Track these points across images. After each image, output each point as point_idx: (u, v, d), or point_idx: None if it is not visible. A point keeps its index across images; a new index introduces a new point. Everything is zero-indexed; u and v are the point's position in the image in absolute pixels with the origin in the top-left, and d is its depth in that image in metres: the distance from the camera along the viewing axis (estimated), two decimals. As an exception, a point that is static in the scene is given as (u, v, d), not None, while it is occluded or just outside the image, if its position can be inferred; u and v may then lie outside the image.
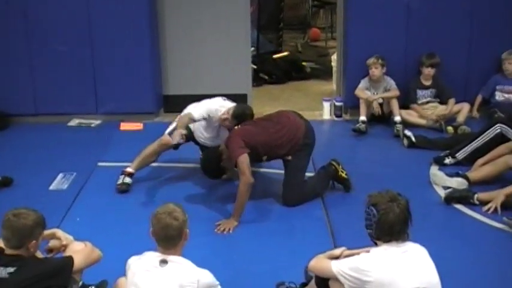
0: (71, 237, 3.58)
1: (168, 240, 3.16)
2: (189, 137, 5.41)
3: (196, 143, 5.50)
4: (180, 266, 3.15)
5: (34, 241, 3.17)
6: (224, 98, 5.39)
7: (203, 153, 5.33)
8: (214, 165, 4.96)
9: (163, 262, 3.14)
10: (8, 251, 3.16)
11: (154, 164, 5.53)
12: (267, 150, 4.92)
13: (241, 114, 5.04)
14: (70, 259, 3.28)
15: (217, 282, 3.25)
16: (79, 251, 3.39)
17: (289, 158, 4.96)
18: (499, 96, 6.73)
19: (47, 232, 3.40)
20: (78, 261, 3.29)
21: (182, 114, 5.35)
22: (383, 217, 3.07)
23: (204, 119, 5.23)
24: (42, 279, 3.12)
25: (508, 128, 5.43)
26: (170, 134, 5.37)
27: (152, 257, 3.19)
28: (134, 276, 3.17)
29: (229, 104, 5.26)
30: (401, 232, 3.10)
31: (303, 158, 5.01)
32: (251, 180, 4.66)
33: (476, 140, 5.55)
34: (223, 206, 4.98)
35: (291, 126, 4.96)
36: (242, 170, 4.67)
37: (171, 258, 3.16)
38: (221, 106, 5.21)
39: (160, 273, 3.12)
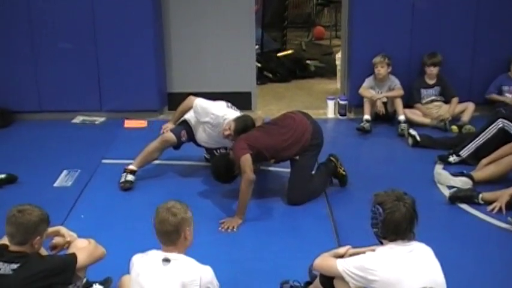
0: (74, 235, 3.58)
1: (165, 235, 3.15)
2: (190, 137, 5.43)
3: (197, 144, 5.51)
4: (182, 264, 3.15)
5: (38, 237, 3.17)
6: (228, 104, 5.38)
7: (213, 160, 5.32)
8: (224, 172, 4.97)
9: (166, 261, 3.14)
10: (12, 248, 3.16)
11: (157, 162, 5.54)
12: (272, 153, 4.94)
13: (243, 128, 5.04)
14: (74, 256, 3.28)
15: (217, 282, 3.24)
16: (83, 248, 3.39)
17: (297, 157, 4.97)
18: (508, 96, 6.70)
19: (51, 229, 3.40)
20: (82, 258, 3.29)
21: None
22: (389, 216, 3.07)
23: (205, 122, 5.25)
24: (45, 277, 3.12)
25: (510, 123, 5.42)
26: (172, 130, 5.39)
27: (155, 255, 3.19)
28: (138, 276, 3.17)
29: (232, 113, 5.25)
30: (407, 231, 3.10)
31: (310, 158, 5.03)
32: (252, 178, 4.67)
33: (479, 137, 5.55)
34: (227, 203, 4.98)
35: (296, 128, 4.96)
36: (243, 168, 4.69)
37: (173, 256, 3.16)
38: (225, 114, 5.21)
39: (163, 272, 3.12)
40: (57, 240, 3.54)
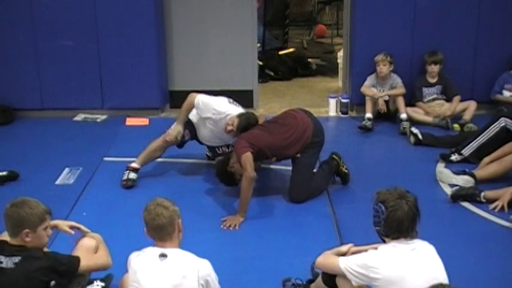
0: (86, 229, 3.65)
1: (161, 229, 3.16)
2: (193, 135, 5.42)
3: (200, 142, 5.51)
4: (179, 257, 3.16)
5: (26, 230, 3.18)
6: (230, 100, 5.37)
7: (216, 163, 5.29)
8: (227, 174, 4.98)
9: (163, 256, 3.15)
10: (12, 241, 3.22)
11: (159, 160, 5.54)
12: (274, 151, 4.95)
13: (246, 125, 5.04)
14: (77, 260, 3.33)
15: (215, 276, 3.24)
16: (88, 256, 3.44)
17: (298, 155, 4.97)
18: (506, 94, 6.69)
19: (52, 222, 3.43)
20: (84, 265, 3.36)
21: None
22: (391, 214, 3.06)
23: (207, 118, 5.24)
24: (46, 273, 3.17)
25: None
26: (174, 128, 5.40)
27: (151, 252, 3.20)
28: (136, 273, 3.18)
29: (234, 109, 5.24)
30: (410, 229, 3.09)
31: (311, 155, 5.03)
32: (253, 175, 4.68)
33: (481, 135, 5.55)
34: (228, 201, 4.98)
35: (298, 126, 4.96)
36: (244, 165, 4.70)
37: (169, 251, 3.17)
38: (227, 110, 5.20)
39: (161, 267, 3.13)
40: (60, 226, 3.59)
